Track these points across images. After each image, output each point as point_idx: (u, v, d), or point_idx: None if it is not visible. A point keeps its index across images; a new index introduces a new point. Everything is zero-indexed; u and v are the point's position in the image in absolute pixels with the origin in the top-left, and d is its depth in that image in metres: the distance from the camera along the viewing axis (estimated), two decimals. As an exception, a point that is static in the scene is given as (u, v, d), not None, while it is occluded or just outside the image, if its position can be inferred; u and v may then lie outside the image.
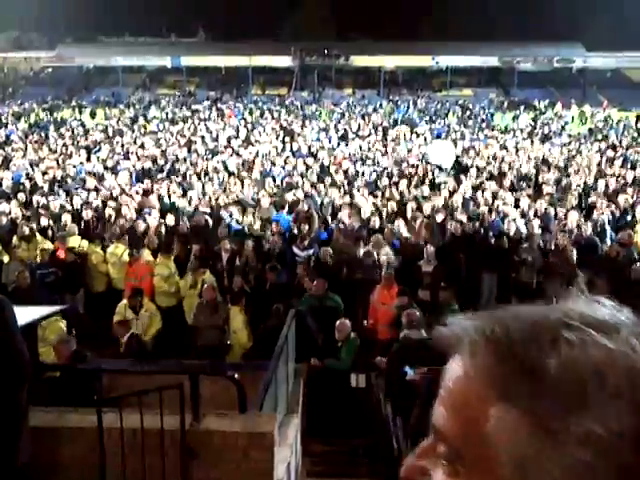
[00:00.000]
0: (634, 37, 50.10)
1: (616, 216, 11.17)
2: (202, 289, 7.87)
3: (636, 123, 29.63)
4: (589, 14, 56.83)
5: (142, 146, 19.30)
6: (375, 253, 9.26)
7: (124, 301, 7.71)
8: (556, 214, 11.25)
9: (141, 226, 10.13)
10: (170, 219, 10.62)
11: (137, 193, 12.72)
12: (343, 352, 7.09)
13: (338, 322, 7.19)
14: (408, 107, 37.09)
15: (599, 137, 23.04)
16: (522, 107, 37.39)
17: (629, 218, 11.13)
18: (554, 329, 0.53)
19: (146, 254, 9.21)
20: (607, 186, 13.44)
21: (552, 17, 57.29)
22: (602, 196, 12.32)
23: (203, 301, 7.61)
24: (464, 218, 10.57)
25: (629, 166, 16.16)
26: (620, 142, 21.57)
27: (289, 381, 6.51)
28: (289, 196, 12.38)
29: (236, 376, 4.14)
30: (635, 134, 24.38)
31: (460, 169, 15.63)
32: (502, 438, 0.50)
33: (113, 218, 10.61)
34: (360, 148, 19.27)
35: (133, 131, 24.07)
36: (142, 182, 13.92)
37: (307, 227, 10.09)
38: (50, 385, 4.49)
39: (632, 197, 12.34)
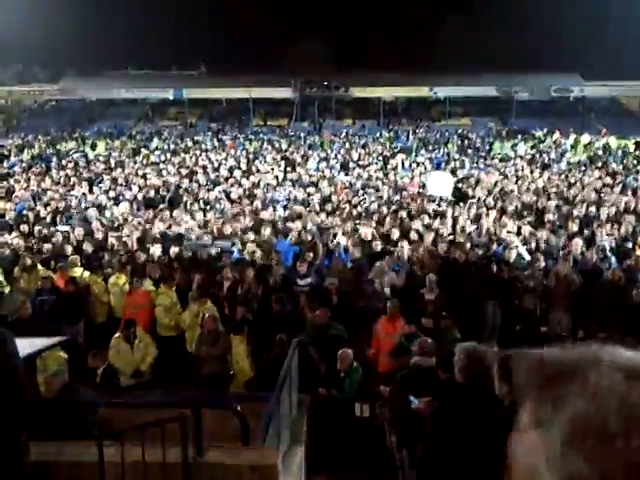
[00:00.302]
0: (630, 67, 50.88)
1: (618, 243, 11.16)
2: (203, 319, 7.83)
3: (635, 150, 29.88)
4: (586, 44, 57.74)
5: (144, 177, 19.43)
6: (377, 281, 9.26)
7: (117, 333, 7.60)
8: (557, 242, 11.25)
9: (142, 256, 10.13)
10: (172, 249, 10.62)
11: (139, 223, 12.75)
12: (347, 383, 7.03)
13: (340, 351, 7.14)
14: (408, 137, 37.41)
15: (598, 165, 23.17)
16: (520, 136, 37.78)
17: (629, 245, 11.12)
18: None
19: (147, 284, 9.20)
20: (608, 213, 13.47)
21: (549, 47, 58.16)
22: (603, 223, 12.34)
23: (204, 331, 7.56)
24: (466, 246, 10.59)
25: (629, 193, 16.21)
26: (619, 169, 21.70)
27: (292, 412, 6.43)
28: (292, 225, 12.45)
29: (239, 408, 4.08)
30: (634, 161, 24.51)
31: (460, 197, 15.68)
32: None
33: (115, 248, 10.62)
34: (360, 177, 19.39)
35: (135, 162, 24.27)
36: (144, 212, 13.96)
37: (312, 255, 10.08)
38: (47, 418, 4.42)
39: (632, 224, 12.35)
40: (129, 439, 3.79)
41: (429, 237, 11.35)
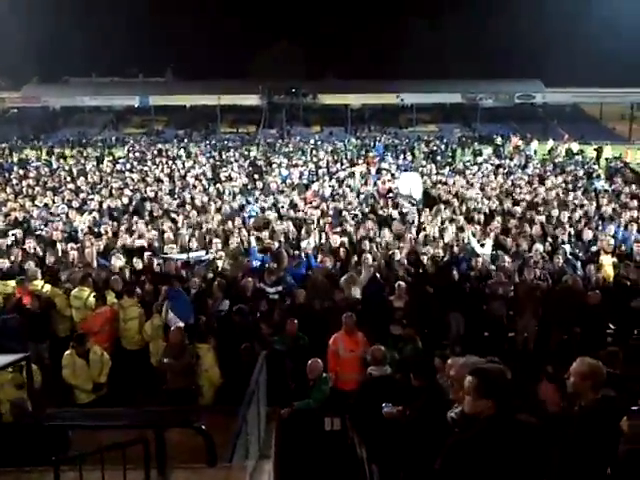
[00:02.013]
0: (590, 74, 52.26)
1: (579, 248, 11.35)
2: (169, 331, 7.65)
3: (597, 157, 30.65)
4: (547, 52, 59.11)
5: (109, 186, 19.06)
6: (349, 290, 9.20)
7: (69, 350, 7.31)
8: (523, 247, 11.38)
9: (105, 268, 9.89)
10: (136, 260, 10.40)
11: (103, 233, 12.46)
12: (314, 392, 6.94)
13: (310, 361, 7.06)
14: (375, 143, 37.62)
15: (561, 170, 23.63)
16: (485, 142, 38.38)
17: (594, 249, 11.32)
18: None
19: (111, 297, 8.96)
20: (570, 217, 13.72)
21: (512, 54, 59.35)
22: (566, 228, 12.55)
23: (169, 343, 7.38)
24: (434, 253, 10.65)
25: (590, 197, 16.55)
26: (581, 174, 22.18)
27: (261, 425, 6.31)
28: (260, 233, 12.36)
29: (203, 427, 3.95)
30: (595, 166, 25.10)
31: (428, 203, 15.79)
32: None
33: (76, 260, 10.33)
34: (329, 185, 19.36)
35: (100, 171, 23.80)
36: (108, 222, 13.65)
37: (276, 265, 9.98)
38: (6, 443, 4.23)
39: (594, 229, 12.60)
40: (89, 462, 3.64)
41: (397, 244, 11.38)
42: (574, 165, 25.57)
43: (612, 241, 11.11)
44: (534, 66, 55.38)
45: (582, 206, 15.16)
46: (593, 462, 3.48)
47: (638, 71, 51.79)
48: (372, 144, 37.07)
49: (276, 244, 11.32)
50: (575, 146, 34.76)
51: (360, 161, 26.40)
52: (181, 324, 7.90)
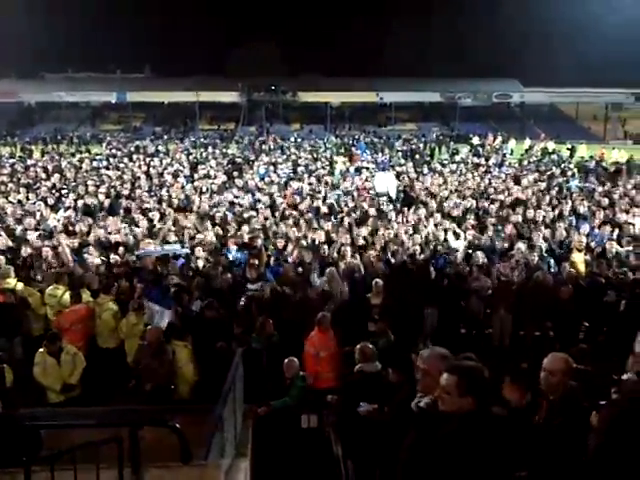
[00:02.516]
0: (567, 74, 53.02)
1: (554, 245, 11.50)
2: (146, 330, 7.58)
3: (570, 155, 31.09)
4: (524, 52, 59.78)
5: (85, 183, 18.82)
6: (329, 287, 9.21)
7: (41, 349, 7.20)
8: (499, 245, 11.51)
9: (81, 265, 9.76)
10: (112, 257, 10.29)
11: (78, 231, 12.29)
12: (291, 390, 6.96)
13: (286, 360, 7.06)
14: (354, 141, 37.71)
15: (537, 168, 23.94)
16: (462, 141, 38.67)
17: (566, 247, 11.48)
18: None
19: (86, 295, 8.86)
20: (544, 216, 13.89)
21: (490, 55, 59.89)
22: (540, 226, 12.72)
23: (145, 342, 7.32)
24: (412, 250, 10.72)
25: (564, 196, 16.79)
26: (557, 173, 22.48)
27: (237, 424, 6.30)
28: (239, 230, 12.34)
29: (177, 425, 3.94)
30: (571, 165, 25.45)
31: (406, 201, 15.89)
32: None
33: (50, 258, 10.18)
34: (308, 182, 19.37)
35: (76, 167, 23.46)
36: (83, 220, 13.47)
37: (257, 261, 9.95)
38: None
39: (568, 226, 12.78)
40: (61, 463, 3.60)
41: (375, 242, 11.43)
42: (550, 164, 25.93)
43: (584, 239, 11.28)
44: (512, 66, 56.01)
45: (557, 205, 15.37)
46: (563, 456, 3.54)
47: (613, 72, 52.74)
48: (351, 142, 37.14)
49: (257, 242, 11.28)
50: (551, 145, 35.26)
51: (340, 159, 26.44)
52: (166, 321, 7.87)
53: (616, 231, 12.31)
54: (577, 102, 57.27)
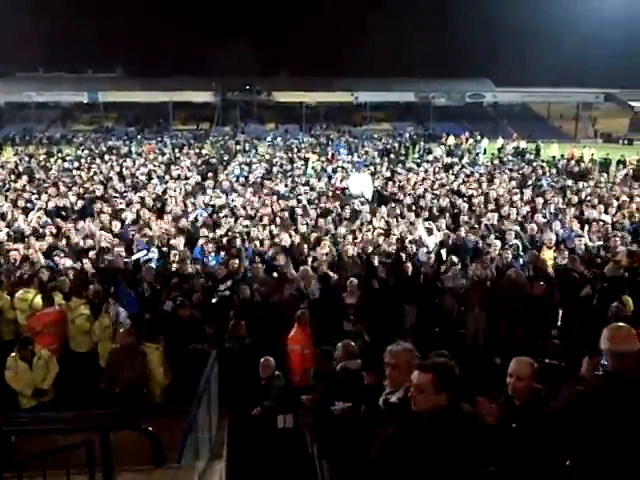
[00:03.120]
0: (539, 74, 53.86)
1: (525, 242, 11.64)
2: (117, 333, 7.50)
3: (536, 154, 31.60)
4: (497, 52, 60.54)
5: (55, 184, 18.51)
6: (303, 286, 9.20)
7: (13, 353, 7.07)
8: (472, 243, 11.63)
9: (52, 269, 9.60)
10: (84, 260, 10.13)
11: (49, 234, 12.07)
12: (272, 390, 6.96)
13: (262, 360, 7.05)
14: (329, 141, 37.75)
15: (510, 167, 24.25)
16: (437, 140, 38.97)
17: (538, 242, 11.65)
18: None
19: (58, 298, 8.71)
20: (518, 214, 14.09)
21: (462, 54, 60.51)
22: (513, 223, 12.89)
23: (117, 345, 7.23)
24: (386, 249, 10.78)
25: (537, 194, 17.03)
26: (529, 172, 22.81)
27: (212, 426, 6.27)
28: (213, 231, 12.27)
29: (150, 429, 3.90)
30: (543, 164, 25.82)
31: (381, 201, 15.98)
32: None
33: (19, 262, 9.98)
34: (284, 182, 19.34)
35: (46, 169, 23.06)
36: (55, 222, 13.24)
37: (237, 262, 9.90)
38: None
39: (540, 224, 12.96)
40: (31, 468, 3.54)
41: (351, 241, 11.47)
42: (521, 162, 26.32)
43: (553, 236, 11.44)
44: (485, 66, 56.75)
45: (529, 202, 15.60)
46: (526, 455, 3.58)
47: (585, 72, 53.75)
48: (326, 142, 37.16)
49: (234, 243, 11.20)
50: (523, 144, 35.79)
51: (314, 157, 26.45)
52: (128, 322, 7.79)
53: (586, 228, 12.52)
54: (548, 102, 58.23)
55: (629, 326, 3.65)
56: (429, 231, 12.08)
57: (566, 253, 10.21)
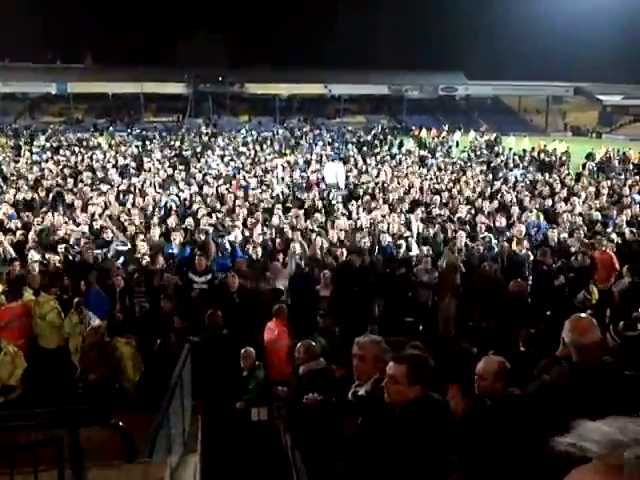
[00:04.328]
0: (510, 67, 54.46)
1: (495, 235, 11.80)
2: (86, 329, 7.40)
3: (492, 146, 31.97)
4: (469, 45, 61.02)
5: (24, 177, 18.13)
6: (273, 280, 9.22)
7: None
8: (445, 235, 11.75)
9: (20, 263, 9.41)
10: (52, 255, 9.96)
11: (16, 228, 11.84)
12: (251, 382, 6.96)
13: (243, 350, 7.07)
14: (303, 134, 37.63)
15: (481, 160, 24.52)
16: (410, 133, 39.17)
17: (508, 234, 11.83)
18: None
19: (27, 294, 8.55)
20: (491, 206, 14.27)
21: (435, 47, 60.84)
22: (485, 216, 13.05)
23: (87, 342, 7.14)
24: (360, 245, 10.82)
25: (509, 187, 17.28)
26: (503, 164, 23.11)
27: (185, 420, 6.23)
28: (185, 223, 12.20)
29: (120, 423, 3.86)
30: (515, 157, 26.16)
31: (353, 193, 16.03)
32: None
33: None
34: (255, 174, 19.25)
35: (15, 161, 22.57)
36: (22, 216, 12.99)
37: (205, 255, 9.83)
38: None
39: (510, 216, 13.17)
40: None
41: (324, 235, 11.49)
42: (491, 156, 26.63)
43: (523, 228, 11.63)
44: (456, 59, 57.13)
45: (499, 194, 15.81)
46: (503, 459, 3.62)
47: (555, 66, 54.52)
48: (301, 135, 37.02)
49: (202, 236, 11.13)
50: (495, 137, 36.19)
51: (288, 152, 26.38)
52: (97, 321, 7.70)
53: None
54: (519, 95, 58.98)
55: (590, 316, 3.71)
56: (407, 226, 12.14)
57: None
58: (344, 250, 10.27)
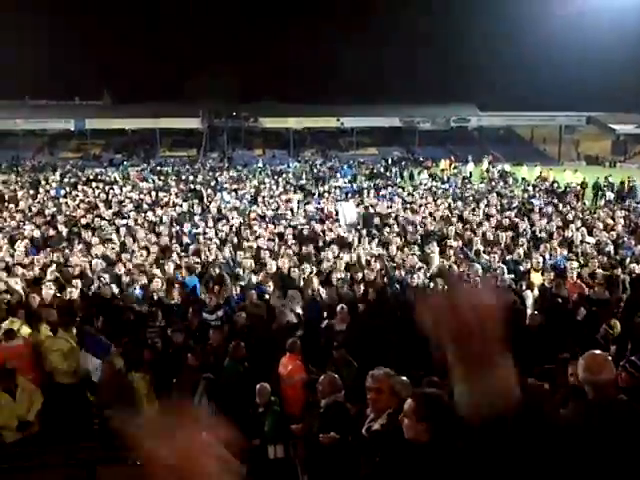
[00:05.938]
0: (522, 99, 54.83)
1: (510, 266, 11.70)
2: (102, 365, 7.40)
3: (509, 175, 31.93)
4: (481, 77, 61.66)
5: (42, 212, 18.40)
6: (289, 311, 9.17)
7: None
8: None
9: (37, 299, 9.49)
10: (70, 289, 10.04)
11: (34, 263, 11.95)
12: (268, 419, 6.84)
13: (258, 386, 6.96)
14: (317, 166, 37.96)
15: (496, 190, 24.48)
16: (423, 164, 39.32)
17: (524, 266, 11.71)
18: None
19: (44, 329, 8.59)
20: (506, 237, 14.19)
21: (448, 79, 61.51)
22: (502, 247, 12.98)
23: (104, 378, 7.14)
24: (372, 276, 10.79)
25: (523, 217, 17.19)
26: (515, 194, 23.09)
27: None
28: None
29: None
30: (529, 187, 26.11)
31: (368, 226, 16.04)
32: None
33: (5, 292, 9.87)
34: (271, 208, 19.39)
35: (33, 197, 22.93)
36: (41, 251, 13.14)
37: (218, 289, 9.87)
38: None
39: (525, 247, 13.07)
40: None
41: (341, 267, 11.47)
42: (508, 185, 26.63)
43: (541, 260, 11.52)
44: (469, 91, 57.67)
45: (516, 225, 15.72)
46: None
47: (567, 96, 54.79)
48: (315, 168, 37.26)
49: (217, 270, 11.17)
50: (508, 167, 36.24)
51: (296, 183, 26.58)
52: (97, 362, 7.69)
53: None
54: (532, 125, 59.14)
55: (605, 354, 3.65)
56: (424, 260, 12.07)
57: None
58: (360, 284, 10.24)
